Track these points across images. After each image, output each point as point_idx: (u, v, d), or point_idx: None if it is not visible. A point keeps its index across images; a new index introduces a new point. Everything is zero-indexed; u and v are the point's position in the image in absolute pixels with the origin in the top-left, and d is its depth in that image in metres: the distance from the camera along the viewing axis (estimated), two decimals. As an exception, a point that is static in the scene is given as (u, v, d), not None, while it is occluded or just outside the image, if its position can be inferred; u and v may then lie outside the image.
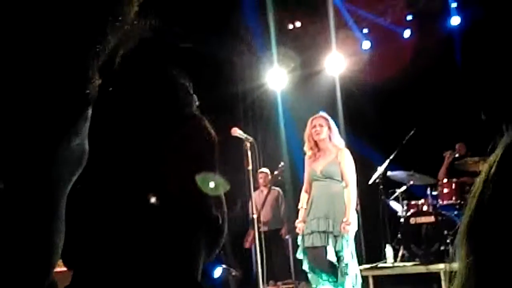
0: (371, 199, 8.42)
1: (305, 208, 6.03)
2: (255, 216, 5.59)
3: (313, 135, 5.93)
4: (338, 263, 5.78)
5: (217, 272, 8.68)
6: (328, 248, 5.74)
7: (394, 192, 8.18)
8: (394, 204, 8.22)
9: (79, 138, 0.61)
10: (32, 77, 0.54)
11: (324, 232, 5.76)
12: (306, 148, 6.04)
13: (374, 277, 7.66)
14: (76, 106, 0.60)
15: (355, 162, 6.08)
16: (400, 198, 8.05)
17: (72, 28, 0.55)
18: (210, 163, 0.86)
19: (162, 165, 0.80)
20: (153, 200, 0.79)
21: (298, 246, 6.10)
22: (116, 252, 0.78)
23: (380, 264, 7.88)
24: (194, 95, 0.88)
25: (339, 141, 6.00)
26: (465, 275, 0.80)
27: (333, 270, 5.84)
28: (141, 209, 0.79)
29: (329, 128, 5.94)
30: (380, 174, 7.92)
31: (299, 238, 6.01)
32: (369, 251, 8.87)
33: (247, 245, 8.62)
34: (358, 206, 9.26)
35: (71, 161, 0.61)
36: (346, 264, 5.74)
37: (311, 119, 6.01)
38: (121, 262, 0.78)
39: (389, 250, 7.80)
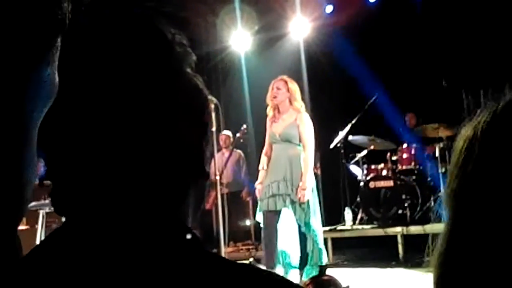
0: (332, 163, 8.51)
1: (265, 170, 6.05)
2: (217, 177, 5.59)
3: (271, 97, 5.93)
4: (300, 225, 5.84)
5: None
6: (287, 209, 5.80)
7: (355, 156, 8.27)
8: (354, 168, 8.33)
9: (50, 68, 0.60)
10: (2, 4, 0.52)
11: (283, 194, 5.79)
12: (268, 110, 6.05)
13: (333, 239, 7.79)
14: (48, 34, 0.58)
15: (317, 126, 6.10)
16: (360, 163, 8.16)
17: None
18: (207, 121, 0.87)
19: (166, 116, 0.80)
20: (153, 149, 0.79)
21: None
22: (108, 195, 0.78)
23: (339, 227, 8.01)
24: (192, 53, 0.87)
25: (300, 104, 5.99)
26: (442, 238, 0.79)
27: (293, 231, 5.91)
28: (139, 156, 0.78)
29: (288, 90, 5.93)
30: (341, 138, 7.99)
31: (260, 200, 6.02)
32: (328, 214, 8.98)
33: (208, 206, 8.65)
34: (319, 170, 9.38)
35: (42, 91, 0.59)
36: (307, 224, 5.79)
37: (273, 81, 6.01)
38: (112, 206, 0.78)
39: (348, 213, 7.93)
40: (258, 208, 6.03)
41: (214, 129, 5.41)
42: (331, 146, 8.13)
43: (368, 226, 7.72)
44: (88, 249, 0.73)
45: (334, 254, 7.74)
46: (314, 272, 5.66)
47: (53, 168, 0.81)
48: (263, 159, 6.16)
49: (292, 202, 5.75)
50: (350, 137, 8.06)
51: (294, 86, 5.96)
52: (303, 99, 6.12)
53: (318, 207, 5.93)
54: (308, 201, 5.75)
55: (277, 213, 5.81)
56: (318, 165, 9.44)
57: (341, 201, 8.45)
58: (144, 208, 0.78)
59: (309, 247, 5.83)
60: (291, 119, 5.90)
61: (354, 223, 7.90)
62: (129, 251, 0.73)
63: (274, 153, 6.00)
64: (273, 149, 6.03)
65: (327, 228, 8.11)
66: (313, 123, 6.00)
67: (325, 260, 5.90)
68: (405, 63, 8.41)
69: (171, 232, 0.78)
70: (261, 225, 6.02)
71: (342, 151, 8.13)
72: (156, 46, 0.82)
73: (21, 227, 6.26)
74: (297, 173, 5.79)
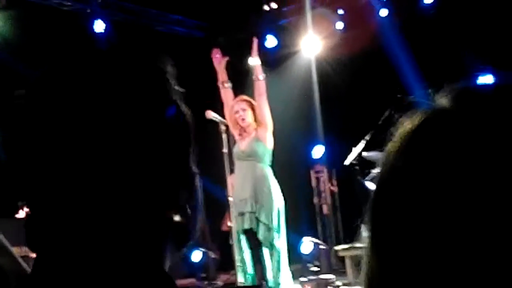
0: (347, 180, 8.52)
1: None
2: (230, 198, 5.65)
3: (238, 120, 5.83)
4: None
5: (196, 255, 8.75)
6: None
7: (370, 172, 8.26)
8: (369, 185, 8.30)
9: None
10: None
11: (249, 212, 5.76)
12: (231, 130, 5.92)
13: (351, 257, 7.77)
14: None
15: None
16: (376, 179, 8.14)
17: None
18: (187, 156, 0.87)
19: (138, 154, 0.80)
20: (123, 188, 0.79)
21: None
22: (79, 237, 0.78)
23: (357, 244, 7.99)
24: (175, 83, 0.88)
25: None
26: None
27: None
28: (109, 197, 0.78)
29: (253, 109, 5.85)
30: (356, 155, 8.01)
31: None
32: (345, 231, 9.00)
33: (224, 227, 8.69)
34: (336, 188, 9.40)
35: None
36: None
37: (234, 103, 5.90)
38: (83, 248, 0.78)
39: (364, 232, 7.90)
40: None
41: (225, 150, 5.49)
42: (346, 162, 8.15)
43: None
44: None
45: (353, 272, 7.71)
46: None
47: (30, 206, 0.82)
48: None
49: (257, 221, 5.73)
50: (365, 153, 8.05)
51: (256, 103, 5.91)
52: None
53: (284, 228, 5.83)
54: (272, 221, 5.71)
55: (247, 231, 5.79)
56: (335, 182, 9.48)
57: (358, 218, 8.44)
58: (114, 251, 0.78)
59: (269, 266, 5.76)
60: (258, 136, 5.86)
61: (372, 241, 7.87)
62: None
63: (239, 170, 5.93)
64: (238, 166, 5.95)
65: (346, 246, 8.10)
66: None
67: (283, 279, 5.80)
68: (419, 76, 8.42)
69: (142, 277, 0.78)
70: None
71: (357, 167, 8.14)
72: (149, 81, 0.83)
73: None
74: (261, 191, 5.75)
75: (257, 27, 9.44)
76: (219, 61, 6.06)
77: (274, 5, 9.93)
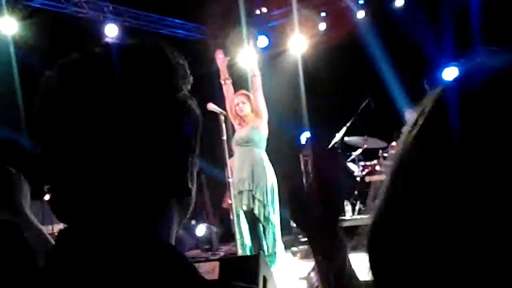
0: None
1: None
2: (229, 180, 5.79)
3: (238, 112, 6.04)
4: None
5: (200, 229, 8.90)
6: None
7: (351, 155, 8.42)
8: (351, 165, 8.47)
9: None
10: None
11: (247, 190, 5.91)
12: (232, 120, 6.13)
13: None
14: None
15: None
16: (356, 160, 8.31)
17: None
18: (194, 144, 0.86)
19: (152, 139, 0.78)
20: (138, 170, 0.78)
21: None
22: (96, 209, 0.78)
23: (340, 217, 8.15)
24: (190, 75, 0.87)
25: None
26: None
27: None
28: (122, 173, 0.77)
29: (250, 102, 6.03)
30: (338, 140, 8.16)
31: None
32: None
33: (225, 205, 8.83)
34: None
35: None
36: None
37: (235, 96, 6.08)
38: (96, 221, 0.77)
39: (347, 205, 8.06)
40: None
41: (224, 137, 5.63)
42: (330, 146, 8.29)
43: (366, 216, 7.83)
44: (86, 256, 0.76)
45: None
46: (274, 260, 5.79)
47: (53, 187, 0.81)
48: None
49: (253, 198, 5.88)
50: (346, 138, 8.21)
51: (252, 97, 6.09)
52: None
53: (278, 204, 5.93)
54: (267, 198, 5.85)
55: (245, 207, 5.93)
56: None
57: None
58: (120, 222, 0.77)
59: (267, 239, 5.91)
60: (254, 125, 6.03)
61: (353, 214, 8.04)
62: (105, 261, 0.75)
63: (239, 154, 6.09)
64: (238, 151, 6.12)
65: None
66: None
67: (279, 249, 5.96)
68: (391, 66, 8.52)
69: (137, 246, 0.76)
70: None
71: (340, 150, 8.29)
72: (158, 67, 0.82)
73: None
74: (257, 172, 5.91)
75: (250, 29, 9.54)
76: (222, 61, 6.20)
77: (264, 10, 10.04)
